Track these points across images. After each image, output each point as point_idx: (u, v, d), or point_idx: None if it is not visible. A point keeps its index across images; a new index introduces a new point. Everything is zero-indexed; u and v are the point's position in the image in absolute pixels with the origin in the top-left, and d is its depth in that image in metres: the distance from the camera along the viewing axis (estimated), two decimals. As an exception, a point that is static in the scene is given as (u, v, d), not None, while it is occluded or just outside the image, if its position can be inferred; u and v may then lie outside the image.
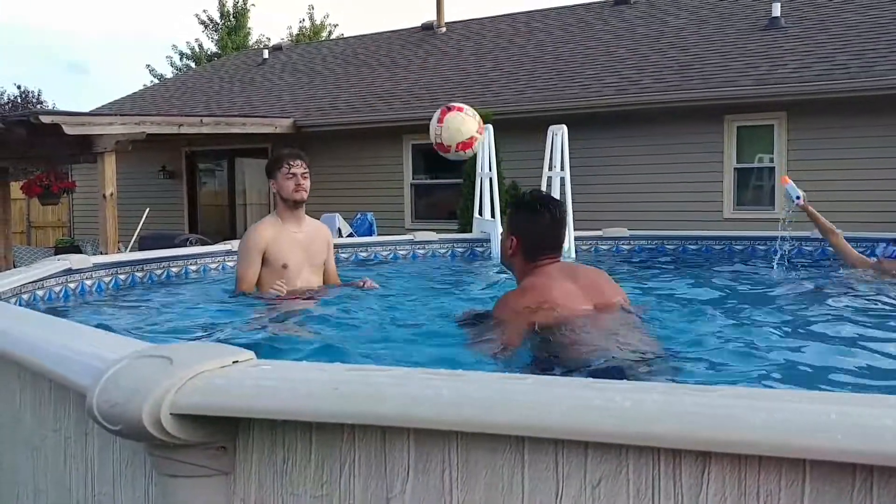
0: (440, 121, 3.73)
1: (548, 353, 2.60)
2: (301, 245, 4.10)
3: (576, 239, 6.60)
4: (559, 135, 6.98)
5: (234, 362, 1.29)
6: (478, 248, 6.60)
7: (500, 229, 6.30)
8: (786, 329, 3.29)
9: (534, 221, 2.87)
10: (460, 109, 3.71)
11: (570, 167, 7.00)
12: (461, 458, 1.17)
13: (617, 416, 1.05)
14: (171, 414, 1.20)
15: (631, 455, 1.07)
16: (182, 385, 1.21)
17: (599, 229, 7.00)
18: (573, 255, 6.48)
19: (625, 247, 6.73)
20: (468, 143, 3.71)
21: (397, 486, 1.21)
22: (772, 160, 10.68)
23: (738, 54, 11.73)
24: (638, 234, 6.88)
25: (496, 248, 5.87)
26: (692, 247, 6.54)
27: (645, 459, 1.07)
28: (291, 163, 4.07)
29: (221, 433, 1.29)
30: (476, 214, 7.20)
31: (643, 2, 15.65)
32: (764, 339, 2.98)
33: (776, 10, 12.44)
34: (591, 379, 1.22)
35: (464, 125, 3.72)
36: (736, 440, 0.99)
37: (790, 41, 11.72)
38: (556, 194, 7.19)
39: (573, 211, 6.76)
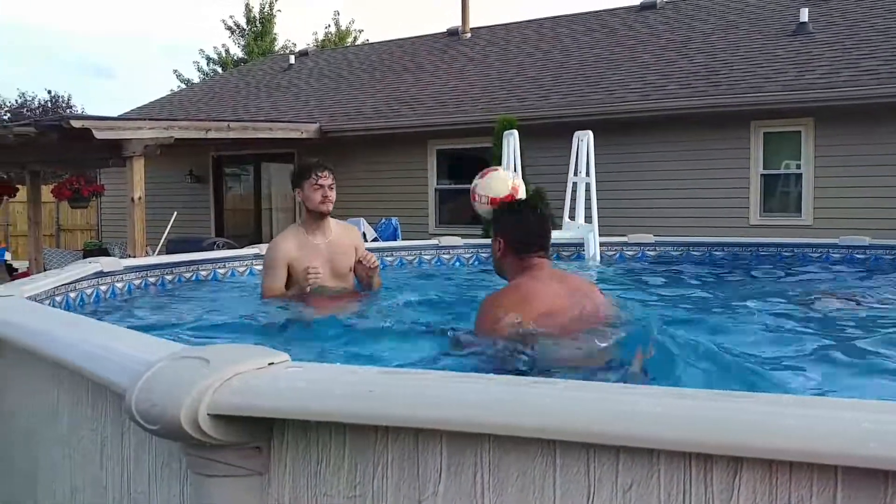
0: (482, 176, 3.85)
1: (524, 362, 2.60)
2: (324, 256, 4.06)
3: (601, 244, 6.59)
4: (585, 140, 6.98)
5: (269, 364, 1.31)
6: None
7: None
8: (818, 337, 3.27)
9: (516, 219, 2.94)
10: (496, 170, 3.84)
11: (596, 173, 6.99)
12: (493, 461, 1.18)
13: (648, 420, 1.06)
14: (208, 414, 1.22)
15: (662, 460, 1.08)
16: (219, 386, 1.24)
17: (625, 235, 6.98)
18: (598, 259, 6.47)
19: (650, 253, 6.71)
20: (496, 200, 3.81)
21: (430, 488, 1.23)
22: (799, 166, 10.60)
23: (765, 60, 11.66)
24: (663, 240, 6.85)
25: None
26: (718, 253, 6.51)
27: (676, 464, 1.07)
28: (319, 174, 4.05)
29: (256, 434, 1.31)
30: (501, 220, 7.19)
31: (669, 7, 15.60)
32: (795, 346, 2.97)
33: (804, 15, 12.35)
34: (621, 384, 1.23)
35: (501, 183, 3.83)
36: (766, 446, 1.00)
37: (818, 46, 11.63)
38: (581, 200, 7.19)
39: (599, 217, 6.76)
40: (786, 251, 6.34)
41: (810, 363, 2.72)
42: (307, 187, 4.05)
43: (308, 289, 3.90)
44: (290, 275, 4.03)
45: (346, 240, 4.23)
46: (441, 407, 1.17)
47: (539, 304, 2.71)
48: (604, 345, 2.68)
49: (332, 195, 4.07)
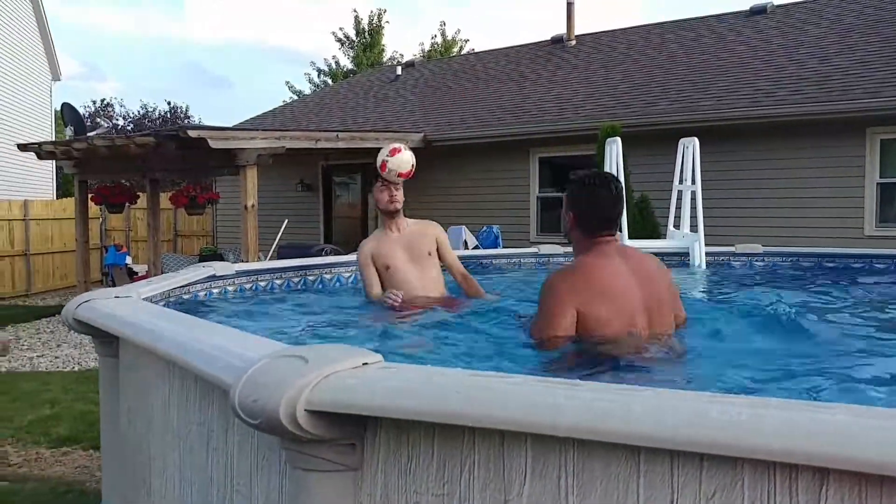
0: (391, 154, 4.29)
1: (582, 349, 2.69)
2: (399, 244, 4.36)
3: (707, 254, 6.46)
4: (690, 148, 6.87)
5: (363, 364, 1.37)
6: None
7: (627, 244, 6.24)
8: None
9: (589, 197, 2.95)
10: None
11: (702, 181, 6.86)
12: (577, 465, 1.20)
13: (733, 429, 1.06)
14: (305, 410, 1.29)
15: (747, 468, 1.08)
16: (317, 384, 1.30)
17: (732, 245, 6.81)
18: (703, 267, 6.35)
19: (758, 263, 6.53)
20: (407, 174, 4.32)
21: (515, 489, 1.26)
22: (920, 175, 10.12)
23: (883, 63, 11.17)
24: (772, 250, 6.66)
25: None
26: (829, 264, 6.28)
27: (761, 473, 1.07)
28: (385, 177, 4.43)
29: (351, 431, 1.37)
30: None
31: (780, 11, 15.13)
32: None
33: (928, 16, 11.79)
34: (709, 393, 1.22)
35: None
36: (854, 458, 0.98)
37: (943, 49, 11.07)
38: (686, 208, 7.06)
39: (705, 225, 6.62)
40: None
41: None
42: (375, 191, 4.41)
43: (388, 301, 4.11)
44: (378, 271, 4.31)
45: (421, 231, 4.50)
46: (527, 411, 1.19)
47: (596, 284, 2.79)
48: (656, 336, 2.76)
49: (399, 195, 4.38)
